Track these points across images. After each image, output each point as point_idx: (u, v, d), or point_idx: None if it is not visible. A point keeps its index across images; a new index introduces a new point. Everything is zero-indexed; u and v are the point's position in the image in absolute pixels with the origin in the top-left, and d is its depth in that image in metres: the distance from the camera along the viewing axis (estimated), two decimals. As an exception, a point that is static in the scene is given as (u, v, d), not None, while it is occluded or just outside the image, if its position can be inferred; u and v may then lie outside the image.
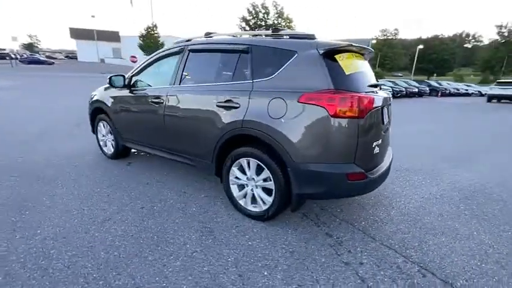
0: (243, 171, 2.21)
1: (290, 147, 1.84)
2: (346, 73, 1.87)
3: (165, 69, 2.85)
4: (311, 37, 2.01)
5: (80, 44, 49.69)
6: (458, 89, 26.31)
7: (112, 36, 49.66)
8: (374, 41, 50.76)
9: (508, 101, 18.10)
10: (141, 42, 18.83)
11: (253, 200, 2.21)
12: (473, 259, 1.84)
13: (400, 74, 64.25)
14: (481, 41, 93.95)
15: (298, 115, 1.81)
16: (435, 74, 57.45)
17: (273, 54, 2.03)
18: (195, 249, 1.85)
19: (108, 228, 2.06)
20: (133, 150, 3.79)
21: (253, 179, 2.14)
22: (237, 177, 2.26)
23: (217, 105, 2.19)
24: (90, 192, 2.65)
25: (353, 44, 1.97)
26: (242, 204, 2.26)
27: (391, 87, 18.14)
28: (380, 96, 2.02)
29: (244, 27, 41.40)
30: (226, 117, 2.14)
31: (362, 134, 1.78)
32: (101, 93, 3.50)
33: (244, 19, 40.77)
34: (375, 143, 1.92)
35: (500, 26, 61.91)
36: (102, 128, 3.60)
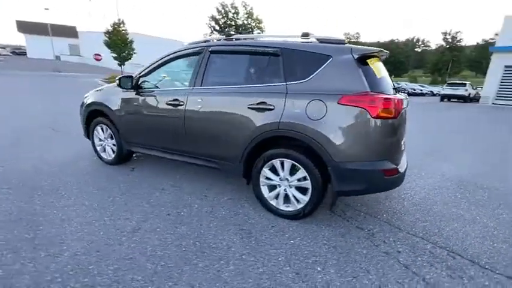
0: (275, 172, 2.24)
1: (331, 147, 1.92)
2: (378, 77, 2.01)
3: (181, 70, 2.76)
4: (341, 42, 2.12)
5: (30, 39, 44.83)
6: (414, 89, 28.94)
7: (68, 32, 45.62)
8: None
9: (457, 100, 20.39)
10: (106, 39, 17.47)
11: (286, 199, 2.25)
12: (485, 240, 2.10)
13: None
14: (429, 46, 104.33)
15: (338, 116, 1.91)
16: (393, 75, 62.43)
17: (306, 57, 2.10)
18: (242, 251, 1.85)
19: (142, 238, 1.96)
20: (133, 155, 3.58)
21: (286, 179, 2.19)
22: (268, 178, 2.28)
23: (249, 107, 2.20)
24: (103, 201, 2.47)
25: (383, 50, 2.13)
26: (274, 204, 2.30)
27: None
28: (403, 97, 2.20)
29: (213, 27, 40.87)
30: (259, 119, 2.16)
31: (395, 132, 1.94)
32: (100, 95, 3.26)
33: (213, 18, 40.23)
34: (402, 141, 2.09)
35: (445, 33, 69.52)
36: (101, 132, 3.35)
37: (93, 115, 3.36)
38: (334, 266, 1.74)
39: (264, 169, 2.26)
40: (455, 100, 20.50)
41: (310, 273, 1.68)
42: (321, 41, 2.18)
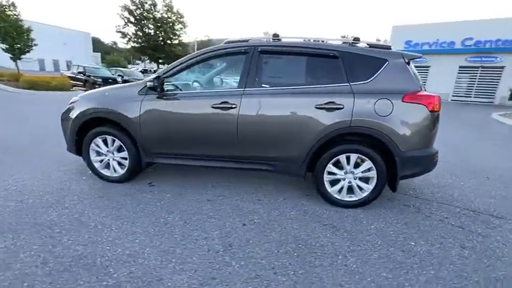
0: (339, 167, 2.41)
1: (397, 139, 2.23)
2: (417, 77, 2.42)
3: (219, 71, 2.56)
4: (388, 47, 2.43)
5: None
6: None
7: None
8: None
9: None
10: (-11, 25, 13.02)
11: (349, 191, 2.46)
12: (492, 199, 2.82)
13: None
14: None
15: (403, 112, 2.22)
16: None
17: (365, 61, 2.33)
18: (344, 244, 1.96)
19: (245, 253, 1.82)
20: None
21: (352, 172, 2.39)
22: (331, 173, 2.43)
23: (316, 107, 2.28)
24: (156, 225, 2.11)
25: (420, 54, 2.54)
26: (337, 197, 2.47)
27: None
28: None
29: (128, 18, 36.63)
30: (328, 118, 2.27)
31: (438, 123, 2.39)
32: (104, 100, 2.68)
33: (127, 8, 35.97)
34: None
35: (344, 37, 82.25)
36: (102, 145, 2.75)
37: (90, 125, 2.72)
38: (419, 238, 2.07)
39: (329, 165, 2.40)
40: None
41: (409, 248, 1.94)
42: (371, 45, 2.44)
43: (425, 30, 21.14)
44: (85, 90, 14.64)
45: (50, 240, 1.87)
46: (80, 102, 2.75)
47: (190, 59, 2.58)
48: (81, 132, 2.76)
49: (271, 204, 2.53)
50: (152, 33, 38.40)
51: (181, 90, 2.66)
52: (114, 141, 2.71)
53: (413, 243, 2.00)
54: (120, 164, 2.80)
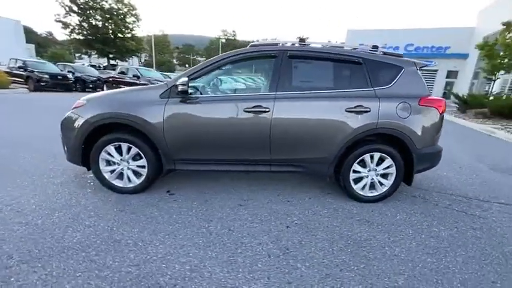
0: (363, 166, 2.60)
1: (415, 138, 2.50)
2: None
3: (247, 74, 2.52)
4: (400, 55, 2.69)
5: None
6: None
7: None
8: (223, 40, 55.35)
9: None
10: None
11: (371, 187, 2.67)
12: (473, 185, 3.32)
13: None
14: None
15: (419, 114, 2.50)
16: (267, 72, 71.48)
17: (386, 67, 2.54)
18: (388, 237, 2.15)
19: (304, 255, 1.87)
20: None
21: (375, 169, 2.61)
22: (356, 171, 2.61)
23: (346, 111, 2.43)
24: (199, 235, 2.03)
25: (433, 61, 2.85)
26: (361, 193, 2.66)
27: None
28: None
29: (70, 7, 32.72)
30: (357, 120, 2.44)
31: (443, 124, 2.73)
32: (120, 104, 2.43)
33: (69, -4, 32.03)
34: None
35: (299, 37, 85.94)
36: (115, 153, 2.49)
37: (101, 132, 2.45)
38: (439, 225, 2.36)
39: (354, 164, 2.57)
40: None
41: (436, 234, 2.21)
42: (385, 53, 2.67)
43: (376, 35, 23.34)
44: (28, 88, 12.75)
45: (92, 264, 1.66)
46: (89, 106, 2.45)
47: (217, 61, 2.50)
48: (89, 140, 2.47)
49: (301, 204, 2.61)
50: (100, 25, 34.96)
51: (203, 93, 2.56)
52: (130, 148, 2.48)
53: (436, 230, 2.28)
54: (135, 173, 2.58)
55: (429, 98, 2.54)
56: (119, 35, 35.67)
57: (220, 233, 2.07)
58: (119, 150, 2.51)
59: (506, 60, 10.52)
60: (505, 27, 11.01)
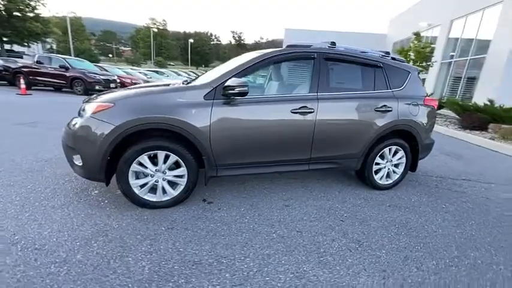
0: (382, 158, 2.96)
1: (421, 132, 2.97)
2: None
3: (286, 75, 2.51)
4: (404, 61, 3.11)
5: None
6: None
7: None
8: (155, 29, 50.66)
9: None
10: None
11: (387, 176, 3.06)
12: (453, 170, 4.11)
13: (172, 64, 70.33)
14: (220, 41, 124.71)
15: (424, 112, 2.97)
16: (203, 65, 69.39)
17: (399, 72, 2.92)
18: (425, 219, 2.53)
19: (379, 244, 2.06)
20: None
21: (390, 161, 2.99)
22: (377, 163, 2.95)
23: (375, 110, 2.70)
24: (278, 241, 1.99)
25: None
26: (380, 182, 3.02)
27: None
28: None
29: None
30: (383, 118, 2.74)
31: (434, 120, 3.31)
32: (155, 107, 2.10)
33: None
34: None
35: (233, 32, 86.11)
36: (149, 163, 2.15)
37: (131, 140, 2.08)
38: (450, 204, 2.87)
39: (376, 157, 2.90)
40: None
41: (446, 209, 2.72)
42: (393, 58, 3.04)
43: (311, 36, 25.39)
44: None
45: (193, 293, 1.46)
46: (118, 109, 2.02)
47: (260, 60, 2.40)
48: (117, 152, 2.06)
49: (336, 198, 2.79)
50: (-15, -1, 27.57)
51: (261, 94, 2.43)
52: (168, 157, 2.18)
53: (444, 206, 2.80)
54: (171, 184, 2.29)
55: (429, 98, 3.06)
56: (16, 13, 28.74)
57: (292, 236, 2.07)
58: (152, 159, 2.18)
59: (417, 64, 13.04)
60: (415, 36, 13.62)
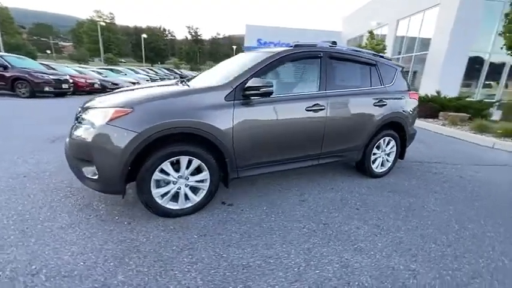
0: (378, 148, 3.23)
1: (408, 123, 3.31)
2: (403, 80, 3.60)
3: (296, 73, 2.58)
4: (390, 59, 3.41)
5: None
6: (193, 75, 33.61)
7: None
8: (102, 23, 46.03)
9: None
10: None
11: (382, 165, 3.35)
12: (428, 156, 4.61)
13: (123, 61, 65.36)
14: (174, 36, 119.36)
15: (409, 105, 3.31)
16: (159, 62, 65.76)
17: (388, 69, 3.19)
18: (425, 201, 2.84)
19: (403, 223, 2.27)
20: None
21: (384, 150, 3.29)
22: (374, 154, 3.22)
23: (374, 104, 2.94)
24: (323, 238, 2.08)
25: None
26: (377, 171, 3.29)
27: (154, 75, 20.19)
28: None
29: None
30: (380, 112, 2.99)
31: (416, 109, 3.70)
32: (178, 110, 1.99)
33: None
34: None
35: (189, 27, 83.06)
36: (171, 170, 2.04)
37: (151, 147, 1.95)
38: (433, 185, 3.28)
39: (374, 148, 3.16)
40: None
41: (439, 190, 3.10)
42: (381, 56, 3.31)
43: (272, 32, 25.83)
44: None
45: (257, 296, 1.46)
46: (139, 115, 1.86)
47: (275, 60, 2.42)
48: (138, 159, 1.92)
49: (343, 189, 2.97)
50: None
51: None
52: (190, 162, 2.10)
53: (436, 188, 3.18)
54: (193, 189, 2.21)
55: (411, 92, 3.41)
56: None
57: (320, 228, 2.17)
58: (177, 166, 2.07)
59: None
60: (369, 34, 14.81)
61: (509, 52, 7.20)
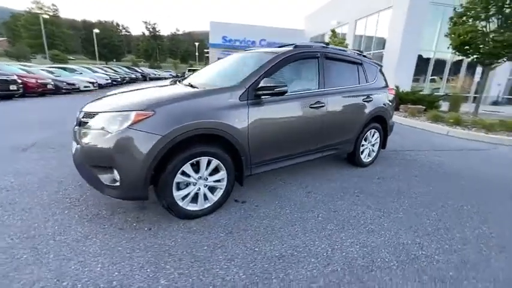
0: (365, 140, 3.55)
1: (389, 116, 3.69)
2: (382, 77, 3.98)
3: (297, 72, 2.72)
4: (370, 57, 3.74)
5: None
6: (155, 74, 31.99)
7: None
8: (45, 16, 40.91)
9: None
10: None
11: (368, 155, 3.69)
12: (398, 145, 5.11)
13: (72, 58, 59.52)
14: (130, 32, 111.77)
15: (389, 100, 3.69)
16: (115, 60, 61.10)
17: (371, 67, 3.51)
18: (413, 185, 3.20)
19: (401, 203, 2.56)
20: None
21: (370, 141, 3.62)
22: (362, 145, 3.53)
23: (363, 100, 3.23)
24: (337, 224, 2.26)
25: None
26: (365, 161, 3.62)
27: (114, 74, 18.86)
28: None
29: None
30: (368, 107, 3.30)
31: (393, 103, 4.11)
32: (200, 111, 1.99)
33: None
34: None
35: (146, 22, 78.49)
36: (192, 171, 2.05)
37: (178, 148, 1.93)
38: (413, 169, 3.71)
39: (362, 140, 3.47)
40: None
41: (420, 173, 3.52)
42: (364, 55, 3.62)
43: (237, 29, 25.73)
44: None
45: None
46: (162, 117, 1.83)
47: (280, 60, 2.52)
48: (163, 162, 1.89)
49: (340, 179, 3.21)
50: None
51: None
52: (210, 163, 2.12)
53: (417, 172, 3.59)
54: (213, 189, 2.24)
55: (391, 88, 3.80)
56: None
57: (332, 216, 2.36)
58: (195, 167, 2.08)
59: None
60: (332, 32, 15.68)
61: (454, 51, 8.28)
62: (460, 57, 13.25)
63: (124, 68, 25.39)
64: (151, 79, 28.72)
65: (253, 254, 1.81)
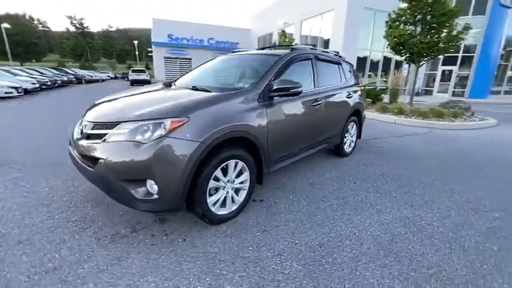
0: (347, 132, 3.95)
1: (362, 109, 4.17)
2: (352, 75, 4.44)
3: (298, 73, 2.89)
4: (345, 57, 4.15)
5: None
6: (91, 76, 28.67)
7: None
8: None
9: (142, 84, 24.58)
10: None
11: (349, 145, 4.11)
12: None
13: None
14: (49, 28, 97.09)
15: (361, 95, 4.16)
16: (33, 60, 52.36)
17: (347, 66, 3.91)
18: (398, 172, 3.69)
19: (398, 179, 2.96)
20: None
21: (350, 133, 4.05)
22: (345, 137, 3.92)
23: (346, 97, 3.60)
24: (357, 206, 2.50)
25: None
26: (347, 151, 4.03)
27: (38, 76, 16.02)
28: None
29: None
30: (351, 102, 3.69)
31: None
32: (228, 115, 1.98)
33: None
34: None
35: (71, 17, 69.09)
36: (221, 175, 2.04)
37: (212, 153, 1.91)
38: (386, 156, 4.26)
39: (345, 133, 3.86)
40: (141, 84, 24.56)
41: (395, 159, 4.08)
42: (339, 56, 4.00)
43: (184, 27, 24.76)
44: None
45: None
46: (197, 123, 1.77)
47: (285, 61, 2.65)
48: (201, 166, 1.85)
49: (335, 169, 3.52)
50: None
51: None
52: (237, 164, 2.14)
53: (389, 158, 4.15)
54: (238, 190, 2.27)
55: (361, 85, 4.29)
56: None
57: (343, 202, 2.61)
58: (225, 170, 2.07)
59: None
60: (281, 32, 16.42)
61: (391, 51, 9.62)
62: (390, 56, 15.37)
63: (51, 70, 22.06)
64: (87, 82, 25.69)
65: (297, 246, 1.92)
